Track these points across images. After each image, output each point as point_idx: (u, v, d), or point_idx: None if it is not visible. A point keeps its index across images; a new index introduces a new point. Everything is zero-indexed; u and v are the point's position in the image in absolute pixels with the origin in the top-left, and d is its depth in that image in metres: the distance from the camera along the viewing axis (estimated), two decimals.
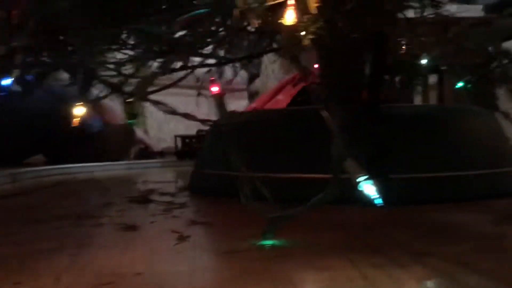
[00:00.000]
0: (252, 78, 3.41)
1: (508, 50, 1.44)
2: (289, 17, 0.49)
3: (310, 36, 0.49)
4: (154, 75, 0.74)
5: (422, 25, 1.57)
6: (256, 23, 0.48)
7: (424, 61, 1.44)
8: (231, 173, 1.05)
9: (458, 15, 2.06)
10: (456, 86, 1.36)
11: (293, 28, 0.49)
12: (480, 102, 1.43)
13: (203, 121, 0.77)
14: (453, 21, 1.86)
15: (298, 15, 0.49)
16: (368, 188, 0.53)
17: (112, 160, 2.18)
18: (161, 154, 2.80)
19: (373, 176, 0.93)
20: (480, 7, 3.12)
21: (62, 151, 2.24)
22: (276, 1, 0.48)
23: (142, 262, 0.55)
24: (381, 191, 0.91)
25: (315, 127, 0.96)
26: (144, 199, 1.03)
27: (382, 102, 0.99)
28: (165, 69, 0.75)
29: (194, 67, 1.25)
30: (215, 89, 0.61)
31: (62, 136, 2.03)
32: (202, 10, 0.57)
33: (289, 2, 0.48)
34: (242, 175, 0.61)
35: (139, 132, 2.85)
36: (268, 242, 0.62)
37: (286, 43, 0.52)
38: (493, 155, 1.00)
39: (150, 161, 2.36)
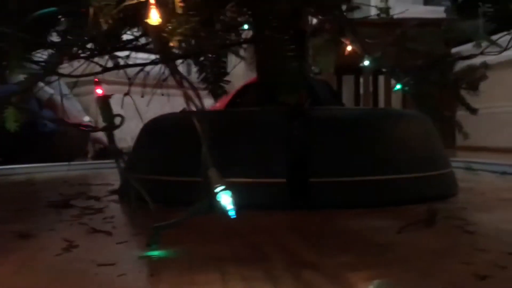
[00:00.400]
0: None
1: (449, 53, 1.43)
2: (154, 17, 0.47)
3: (178, 38, 0.47)
4: (36, 76, 0.71)
5: (366, 26, 1.56)
6: (106, 23, 0.45)
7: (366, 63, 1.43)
8: (153, 177, 1.03)
9: (418, 15, 2.05)
10: (394, 89, 1.35)
11: (160, 29, 0.46)
12: (424, 105, 1.43)
13: (75, 125, 0.73)
14: (397, 23, 1.85)
15: (165, 16, 0.46)
16: (225, 198, 0.50)
17: (66, 161, 2.14)
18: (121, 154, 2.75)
19: (294, 179, 0.91)
20: (442, 8, 3.14)
21: (15, 150, 2.19)
22: (137, 1, 0.45)
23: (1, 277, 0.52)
24: (301, 194, 0.90)
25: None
26: (64, 203, 0.99)
27: (306, 104, 0.97)
28: (51, 69, 0.72)
29: (127, 66, 1.22)
30: (99, 91, 0.58)
31: (14, 135, 1.97)
32: (49, 9, 0.53)
33: (151, 1, 0.45)
34: (127, 178, 0.58)
35: (97, 132, 2.79)
36: (154, 253, 0.59)
37: (156, 45, 0.49)
38: (421, 159, 0.98)
39: (108, 162, 2.31)
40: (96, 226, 0.75)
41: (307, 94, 1.10)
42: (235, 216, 0.49)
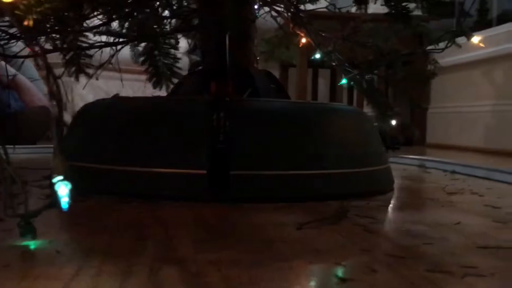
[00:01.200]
0: (194, 65, 3.33)
1: (399, 50, 1.41)
2: None
3: (35, 17, 0.44)
4: None
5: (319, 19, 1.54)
6: None
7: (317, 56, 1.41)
8: (79, 163, 1.00)
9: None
10: (340, 83, 1.34)
11: (15, 6, 0.44)
12: (371, 100, 1.41)
13: None
14: (350, 17, 1.83)
15: None
16: (62, 189, 0.48)
17: (28, 143, 2.10)
18: None
19: (214, 171, 0.89)
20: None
21: None
22: None
23: None
24: (221, 187, 0.88)
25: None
26: None
27: (232, 95, 0.95)
28: None
29: (66, 49, 1.18)
30: None
31: None
32: None
33: None
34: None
35: (67, 117, 2.76)
36: (28, 243, 0.57)
37: (16, 25, 0.47)
38: (350, 155, 0.97)
39: None
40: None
41: (247, 85, 1.08)
42: (66, 209, 0.47)
